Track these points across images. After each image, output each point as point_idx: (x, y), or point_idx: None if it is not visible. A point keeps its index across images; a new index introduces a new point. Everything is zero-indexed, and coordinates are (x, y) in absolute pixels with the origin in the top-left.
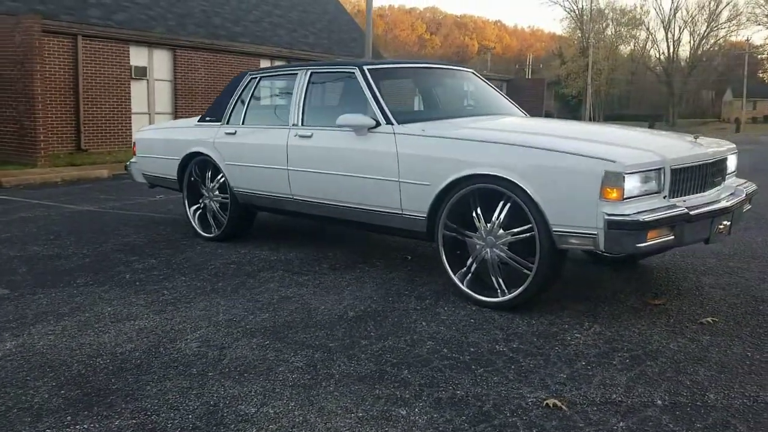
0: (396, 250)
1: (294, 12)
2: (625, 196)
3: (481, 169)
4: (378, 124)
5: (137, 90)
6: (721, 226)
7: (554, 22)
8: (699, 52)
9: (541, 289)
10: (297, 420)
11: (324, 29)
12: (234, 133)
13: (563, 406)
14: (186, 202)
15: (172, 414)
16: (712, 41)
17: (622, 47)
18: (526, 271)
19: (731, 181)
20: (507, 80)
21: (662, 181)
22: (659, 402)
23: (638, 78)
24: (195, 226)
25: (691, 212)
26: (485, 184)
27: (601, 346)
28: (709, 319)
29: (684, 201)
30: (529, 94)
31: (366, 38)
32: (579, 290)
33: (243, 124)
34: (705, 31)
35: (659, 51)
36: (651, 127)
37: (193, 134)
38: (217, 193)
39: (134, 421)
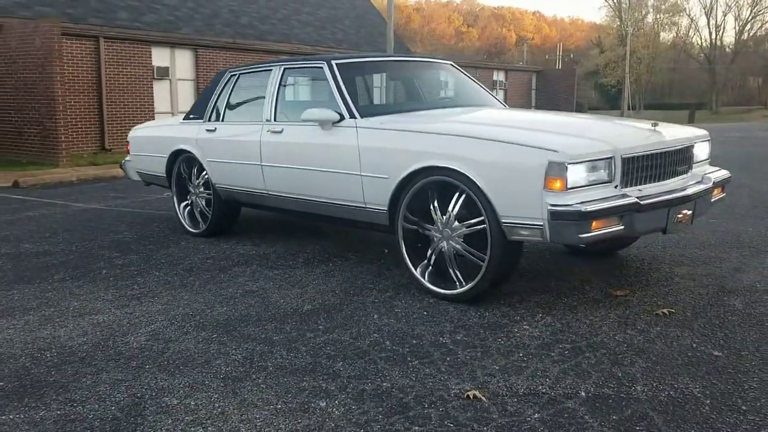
0: (376, 245)
1: (322, 9)
2: (569, 186)
3: (434, 161)
4: (342, 118)
5: (160, 90)
6: (681, 216)
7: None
8: (744, 38)
9: (496, 281)
10: (214, 412)
11: (352, 25)
12: (214, 130)
13: (483, 398)
14: (175, 198)
15: (96, 405)
16: (758, 26)
17: (663, 35)
18: (480, 263)
19: (700, 169)
20: (536, 71)
21: (613, 171)
22: (583, 394)
23: (681, 66)
24: (183, 223)
25: (642, 202)
26: (439, 177)
27: (545, 338)
28: (665, 311)
29: (639, 190)
30: (560, 85)
31: (387, 33)
32: (544, 281)
33: (222, 120)
34: (748, 16)
35: (701, 38)
36: (692, 115)
37: (179, 132)
38: (202, 189)
39: (59, 413)
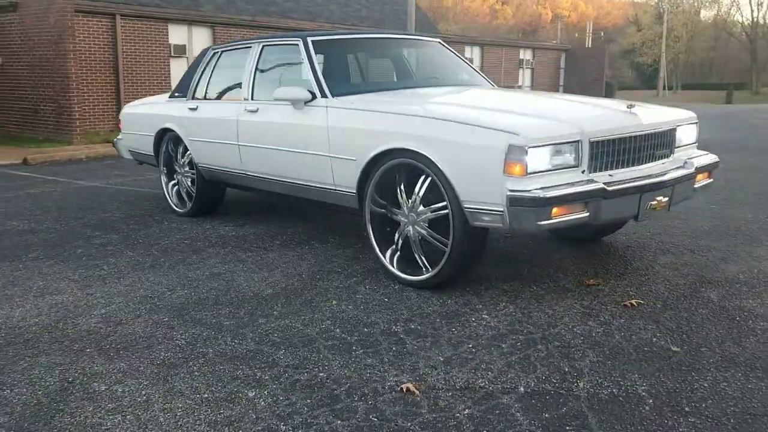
0: (358, 228)
1: None
2: (529, 171)
3: (398, 142)
4: (314, 97)
5: (177, 68)
6: (655, 202)
7: None
8: None
9: (459, 268)
10: (139, 400)
11: (377, 2)
12: (196, 109)
13: (417, 391)
14: (163, 177)
15: (25, 389)
16: None
17: (704, 12)
18: (445, 249)
19: (683, 153)
20: (565, 50)
21: (579, 155)
22: (522, 389)
23: (721, 45)
24: (170, 202)
25: (609, 188)
26: (403, 159)
27: (501, 328)
28: (634, 302)
29: (610, 176)
30: (589, 64)
31: (408, 9)
32: (519, 268)
33: (204, 99)
34: None
35: (743, 16)
36: (729, 95)
37: (164, 110)
38: (187, 169)
39: None
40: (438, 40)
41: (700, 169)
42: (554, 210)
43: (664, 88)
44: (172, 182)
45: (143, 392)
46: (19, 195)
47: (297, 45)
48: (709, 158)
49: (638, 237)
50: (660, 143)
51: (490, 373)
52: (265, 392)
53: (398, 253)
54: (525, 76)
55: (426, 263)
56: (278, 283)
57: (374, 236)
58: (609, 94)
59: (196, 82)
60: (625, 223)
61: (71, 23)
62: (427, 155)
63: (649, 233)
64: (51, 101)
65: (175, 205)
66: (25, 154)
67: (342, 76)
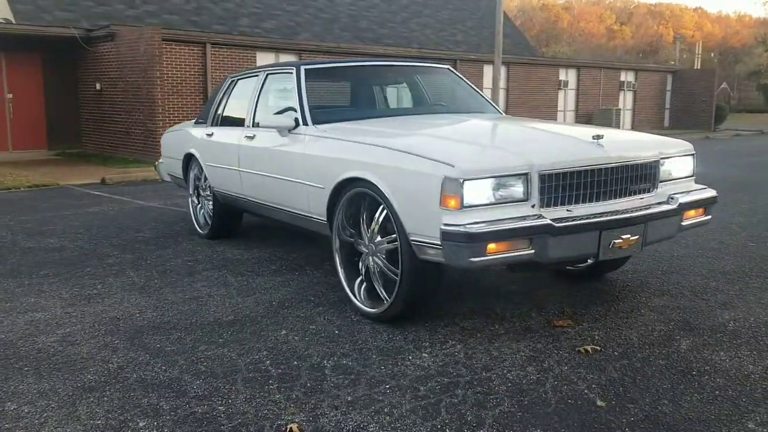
0: None
1: (444, 11)
2: (466, 204)
3: (355, 171)
4: (297, 124)
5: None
6: (620, 241)
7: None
8: None
9: (411, 303)
10: (35, 422)
11: (474, 26)
12: (211, 135)
13: None
14: (191, 200)
15: None
16: None
17: None
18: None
19: (672, 188)
20: (673, 71)
21: (528, 188)
22: None
23: None
24: (195, 224)
25: (557, 224)
26: (361, 189)
27: (432, 369)
28: (590, 347)
29: (568, 210)
30: (698, 86)
31: (496, 28)
32: (493, 303)
33: (218, 125)
34: None
35: None
36: None
37: (189, 135)
38: (207, 192)
39: None
40: (447, 66)
41: (686, 206)
42: (490, 246)
43: None
44: (199, 205)
45: (44, 415)
46: (77, 213)
47: (291, 73)
48: (703, 194)
49: (644, 275)
50: (636, 177)
51: (388, 417)
52: (155, 423)
53: (365, 284)
54: (626, 99)
55: (386, 295)
56: (244, 310)
57: (345, 266)
58: (719, 117)
59: (214, 109)
60: (625, 260)
61: (159, 51)
62: (378, 185)
63: (661, 271)
64: (140, 124)
65: (199, 227)
66: (103, 173)
67: (329, 104)
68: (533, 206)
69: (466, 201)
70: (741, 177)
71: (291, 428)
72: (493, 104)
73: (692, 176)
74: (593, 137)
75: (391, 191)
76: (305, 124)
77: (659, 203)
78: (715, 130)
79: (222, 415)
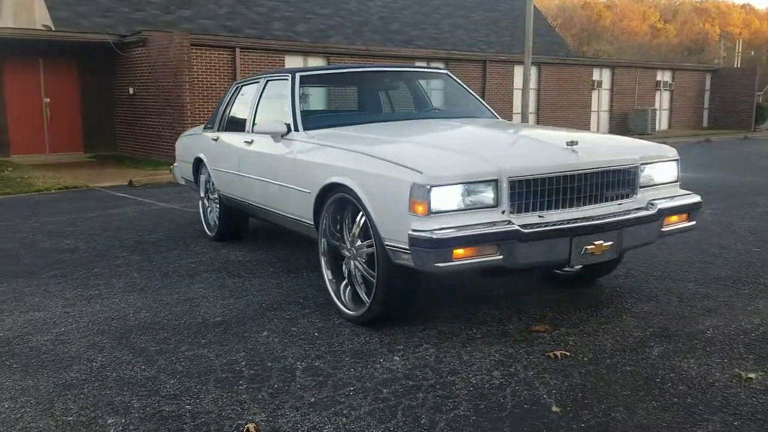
0: None
1: (478, 12)
2: (434, 210)
3: (335, 177)
4: (290, 130)
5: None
6: (592, 247)
7: None
8: None
9: (388, 307)
10: (12, 417)
11: (508, 27)
12: (216, 140)
13: None
14: (202, 203)
15: None
16: None
17: None
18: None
19: (653, 193)
20: (712, 70)
21: (498, 194)
22: None
23: None
24: (204, 227)
25: (526, 230)
26: (341, 194)
27: (400, 372)
28: (560, 353)
29: (540, 217)
30: (738, 85)
31: (526, 28)
32: (476, 307)
33: (223, 130)
34: None
35: None
36: None
37: (198, 140)
38: (215, 195)
39: None
40: (445, 71)
41: (666, 212)
42: (457, 252)
43: None
44: (209, 208)
45: (21, 410)
46: (100, 215)
47: (288, 79)
48: (685, 199)
49: (636, 280)
50: (612, 182)
51: (344, 419)
52: (123, 420)
53: (349, 287)
54: (663, 99)
55: (367, 299)
56: (233, 312)
57: (331, 269)
58: (760, 117)
59: (220, 114)
60: (616, 265)
61: (188, 56)
62: (355, 191)
63: (654, 276)
64: (170, 128)
65: (208, 229)
66: (131, 175)
67: (320, 110)
68: (503, 212)
69: (434, 207)
70: (763, 180)
71: (248, 428)
72: (490, 109)
73: (676, 181)
74: (567, 143)
75: (367, 197)
76: (296, 129)
77: (638, 209)
78: (755, 130)
79: (187, 414)
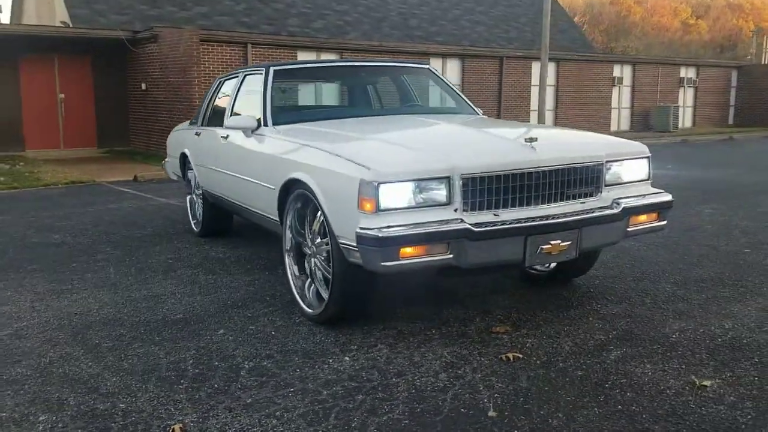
0: None
1: (498, 7)
2: (382, 208)
3: (294, 172)
4: (260, 125)
5: (305, 92)
6: (549, 246)
7: None
8: None
9: (344, 306)
10: None
11: (529, 22)
12: (198, 135)
13: None
14: (189, 199)
15: None
16: None
17: None
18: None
19: (621, 191)
20: (738, 67)
21: (450, 192)
22: None
23: None
24: (191, 223)
25: (477, 229)
26: (301, 190)
27: (346, 373)
28: (511, 355)
29: (495, 215)
30: (765, 82)
31: (543, 31)
32: (441, 308)
33: (205, 125)
34: None
35: None
36: None
37: (183, 135)
38: (200, 191)
39: None
40: (427, 66)
41: (631, 211)
42: (405, 250)
43: None
44: (197, 204)
45: None
46: (97, 210)
47: (262, 74)
48: (655, 198)
49: (612, 281)
50: (574, 180)
51: (274, 421)
52: (54, 418)
53: (313, 285)
54: (686, 96)
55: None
56: (196, 309)
57: (298, 266)
58: None
59: (204, 109)
60: (591, 264)
61: (197, 52)
62: (311, 186)
63: (633, 277)
64: (180, 123)
65: (194, 225)
66: (137, 170)
67: (291, 105)
68: (456, 210)
69: (383, 204)
70: None
71: (174, 429)
72: (471, 105)
73: (648, 180)
74: (526, 140)
75: (321, 193)
76: (266, 125)
77: (601, 208)
78: None
79: (119, 413)
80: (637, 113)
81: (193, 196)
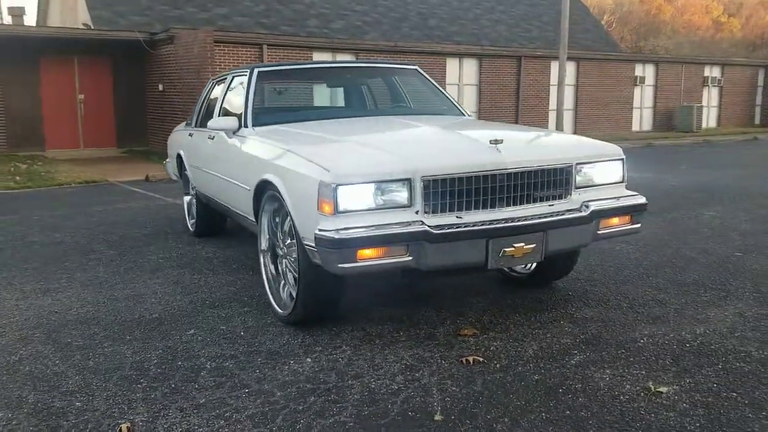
0: None
1: (519, 6)
2: (341, 210)
3: (266, 174)
4: (241, 126)
5: (319, 93)
6: (511, 249)
7: None
8: None
9: (311, 308)
10: None
11: (551, 21)
12: (191, 136)
13: None
14: (185, 199)
15: None
16: None
17: None
18: None
19: (593, 194)
20: (765, 65)
21: (412, 194)
22: None
23: None
24: (188, 223)
25: (436, 231)
26: (272, 191)
27: (303, 375)
28: (471, 359)
29: (458, 217)
30: None
31: (561, 30)
32: (415, 310)
33: (198, 126)
34: None
35: None
36: None
37: (179, 137)
38: (194, 191)
39: None
40: (414, 67)
41: (600, 214)
42: (363, 252)
43: None
44: (191, 204)
45: None
46: (104, 210)
47: (247, 75)
48: (627, 201)
49: (593, 284)
50: (541, 183)
51: (222, 422)
52: (9, 415)
53: (287, 286)
54: (711, 96)
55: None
56: (173, 309)
57: (273, 266)
58: None
59: (197, 111)
60: (571, 267)
61: (210, 53)
62: (278, 187)
63: (615, 280)
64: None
65: (190, 225)
66: (148, 170)
67: (274, 106)
68: (417, 212)
69: (342, 206)
70: None
71: (121, 428)
72: (459, 106)
73: (622, 182)
74: (491, 142)
75: (288, 194)
76: (246, 126)
77: (569, 210)
78: None
79: (73, 411)
80: (659, 113)
81: (190, 196)
